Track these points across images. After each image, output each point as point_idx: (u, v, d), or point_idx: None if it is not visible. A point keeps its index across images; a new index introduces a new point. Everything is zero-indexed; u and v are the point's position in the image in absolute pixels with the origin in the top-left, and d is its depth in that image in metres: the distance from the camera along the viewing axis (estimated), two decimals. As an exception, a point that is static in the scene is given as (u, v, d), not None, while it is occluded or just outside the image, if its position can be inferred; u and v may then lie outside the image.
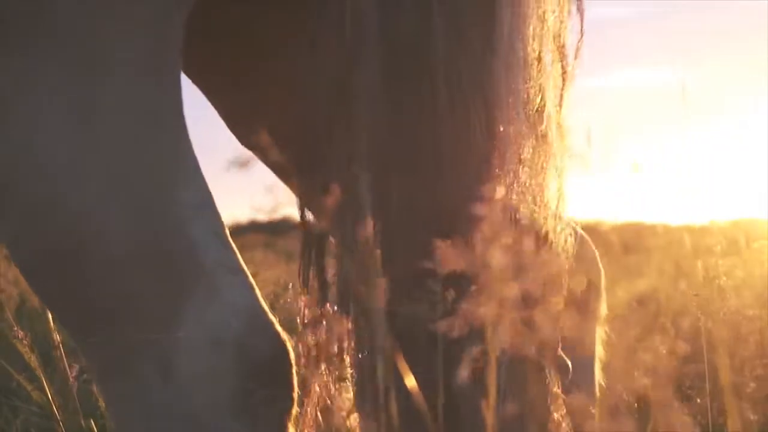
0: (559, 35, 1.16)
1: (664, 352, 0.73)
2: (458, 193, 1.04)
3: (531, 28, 1.12)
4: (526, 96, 1.11)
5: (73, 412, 1.83)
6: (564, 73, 1.16)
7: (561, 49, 1.16)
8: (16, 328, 1.83)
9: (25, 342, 1.80)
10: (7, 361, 2.29)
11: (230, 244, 1.12)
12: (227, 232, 1.13)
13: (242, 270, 1.12)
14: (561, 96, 1.16)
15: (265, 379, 1.07)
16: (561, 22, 1.16)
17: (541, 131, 1.12)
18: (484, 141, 1.07)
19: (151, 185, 1.08)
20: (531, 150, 1.11)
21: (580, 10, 1.19)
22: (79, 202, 1.06)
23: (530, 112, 1.11)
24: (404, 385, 0.86)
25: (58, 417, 1.72)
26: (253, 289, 1.12)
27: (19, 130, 1.05)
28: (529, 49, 1.12)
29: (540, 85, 1.13)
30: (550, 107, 1.14)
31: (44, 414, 2.10)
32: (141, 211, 1.08)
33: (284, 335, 1.11)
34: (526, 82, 1.11)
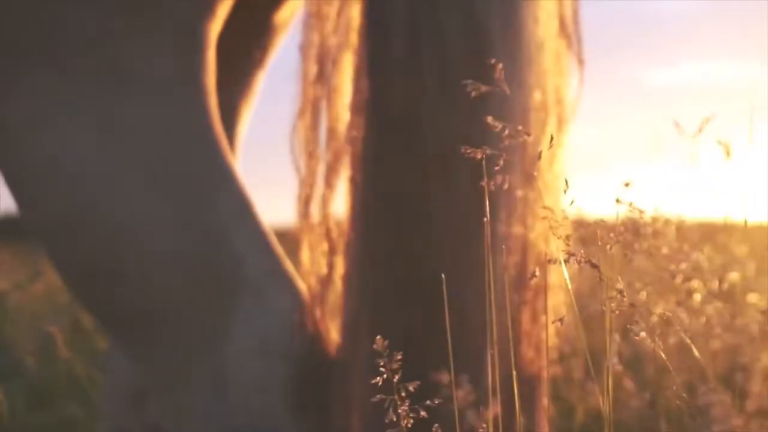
0: (559, 85, 1.15)
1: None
2: (447, 253, 1.04)
3: (530, 80, 1.10)
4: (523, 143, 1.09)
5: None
6: (560, 120, 1.14)
7: (560, 100, 1.15)
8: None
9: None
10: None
11: (273, 248, 1.12)
12: (271, 236, 1.12)
13: (286, 272, 1.11)
14: (555, 140, 1.14)
15: (310, 383, 1.08)
16: (561, 75, 1.15)
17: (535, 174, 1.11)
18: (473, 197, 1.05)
19: (186, 195, 1.09)
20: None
21: (580, 62, 1.18)
22: (114, 215, 1.07)
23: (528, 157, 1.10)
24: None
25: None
26: (297, 290, 1.11)
27: (49, 146, 1.06)
28: (530, 99, 1.11)
29: (539, 131, 1.12)
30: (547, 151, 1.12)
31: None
32: (178, 222, 1.08)
33: (327, 333, 1.11)
34: (524, 131, 1.09)
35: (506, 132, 0.76)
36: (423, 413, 0.71)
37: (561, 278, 1.10)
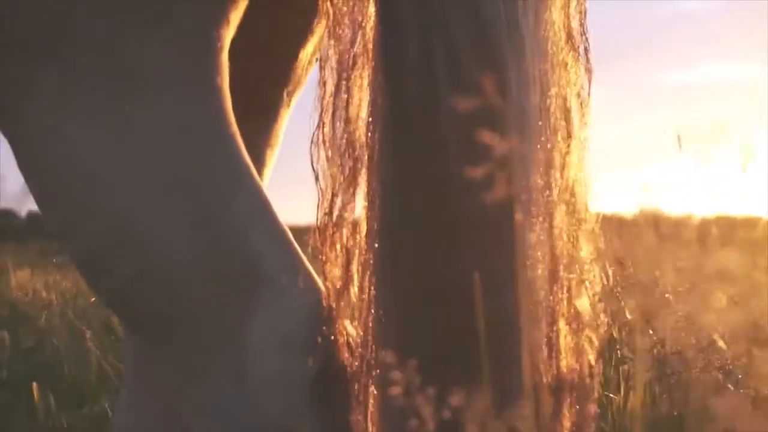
0: (566, 92, 1.15)
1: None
2: (469, 256, 1.05)
3: (540, 80, 1.10)
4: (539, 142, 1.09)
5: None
6: (569, 127, 1.14)
7: (569, 108, 1.15)
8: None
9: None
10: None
11: (291, 245, 1.13)
12: (289, 235, 1.14)
13: (305, 269, 1.12)
14: (565, 146, 1.14)
15: (328, 378, 1.09)
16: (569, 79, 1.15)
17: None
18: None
19: (203, 195, 1.09)
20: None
21: (588, 71, 1.18)
22: (128, 216, 1.08)
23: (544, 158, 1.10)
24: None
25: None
26: (317, 287, 1.12)
27: (61, 148, 1.08)
28: (540, 102, 1.11)
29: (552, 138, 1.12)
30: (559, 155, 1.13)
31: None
32: (196, 222, 1.08)
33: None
34: (537, 136, 1.09)
35: (504, 143, 0.76)
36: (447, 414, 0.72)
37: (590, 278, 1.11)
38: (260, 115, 1.32)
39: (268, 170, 1.39)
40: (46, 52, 1.06)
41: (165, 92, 1.08)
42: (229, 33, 1.13)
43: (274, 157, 1.40)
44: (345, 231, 1.14)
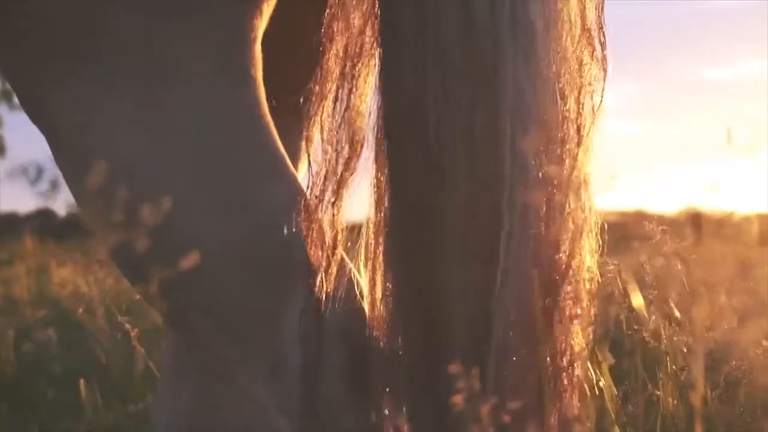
0: (580, 88, 1.13)
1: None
2: (465, 256, 1.04)
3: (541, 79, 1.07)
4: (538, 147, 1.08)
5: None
6: (579, 124, 1.13)
7: (579, 107, 1.13)
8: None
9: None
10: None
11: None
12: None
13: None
14: (579, 144, 1.12)
15: (365, 367, 1.09)
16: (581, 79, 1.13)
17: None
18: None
19: (239, 185, 1.10)
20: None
21: (603, 68, 1.15)
22: (169, 207, 1.07)
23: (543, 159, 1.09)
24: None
25: None
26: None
27: (98, 144, 1.09)
28: (549, 98, 1.08)
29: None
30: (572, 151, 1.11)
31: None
32: (231, 212, 1.10)
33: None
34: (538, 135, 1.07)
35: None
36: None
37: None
38: (295, 108, 1.33)
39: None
40: (80, 53, 1.08)
41: (199, 87, 1.09)
42: (261, 24, 1.13)
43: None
44: (336, 215, 1.14)
